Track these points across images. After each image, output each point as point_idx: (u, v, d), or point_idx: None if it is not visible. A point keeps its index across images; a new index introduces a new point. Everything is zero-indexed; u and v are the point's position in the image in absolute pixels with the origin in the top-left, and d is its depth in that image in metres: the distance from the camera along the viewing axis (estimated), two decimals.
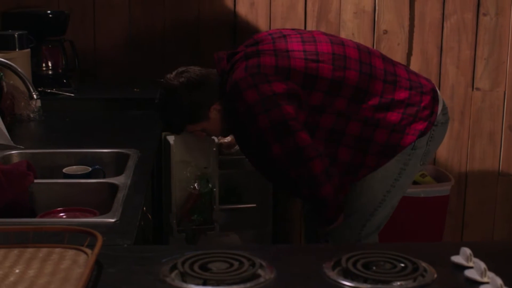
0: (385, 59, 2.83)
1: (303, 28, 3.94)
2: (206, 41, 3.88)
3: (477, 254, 1.57)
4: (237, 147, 3.05)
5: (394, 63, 2.84)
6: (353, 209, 2.81)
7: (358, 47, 2.80)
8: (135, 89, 3.55)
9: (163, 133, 3.20)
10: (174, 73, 2.78)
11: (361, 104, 2.69)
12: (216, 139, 3.14)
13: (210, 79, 2.77)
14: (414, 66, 4.03)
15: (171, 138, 3.14)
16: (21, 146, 2.63)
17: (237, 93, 2.60)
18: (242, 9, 3.89)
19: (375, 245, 2.41)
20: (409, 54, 4.05)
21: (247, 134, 2.70)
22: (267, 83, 2.58)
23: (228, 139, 3.18)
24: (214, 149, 3.15)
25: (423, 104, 2.76)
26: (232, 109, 2.68)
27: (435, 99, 2.80)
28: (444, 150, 4.05)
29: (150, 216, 2.52)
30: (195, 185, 3.14)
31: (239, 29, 3.89)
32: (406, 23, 4.01)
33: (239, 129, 2.77)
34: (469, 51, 4.04)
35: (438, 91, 2.86)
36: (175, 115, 2.79)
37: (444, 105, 2.88)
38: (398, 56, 4.02)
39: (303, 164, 2.59)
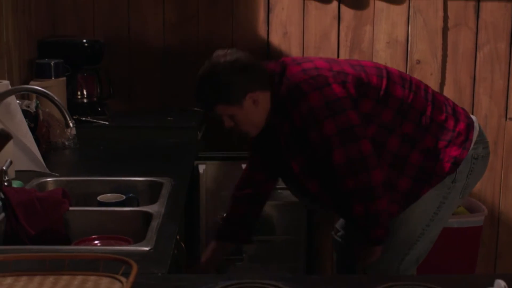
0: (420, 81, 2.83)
1: (336, 57, 3.95)
2: None
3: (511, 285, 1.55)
4: None
5: (428, 88, 2.83)
6: (392, 243, 2.71)
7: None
8: (169, 118, 3.58)
9: (195, 162, 3.21)
10: (225, 50, 2.68)
11: (404, 118, 2.66)
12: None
13: (257, 68, 2.66)
14: (448, 96, 4.01)
15: (201, 167, 3.14)
16: (56, 174, 2.66)
17: (300, 95, 2.53)
18: (275, 39, 3.92)
19: (410, 277, 2.38)
20: (442, 83, 4.04)
21: (301, 139, 2.61)
22: (328, 86, 2.53)
23: None
24: None
25: (458, 130, 2.72)
26: (289, 112, 2.59)
27: (470, 126, 2.76)
28: None
29: (183, 245, 2.52)
30: (224, 214, 3.10)
31: (272, 58, 3.91)
32: (439, 53, 4.01)
33: (294, 134, 2.65)
34: (502, 81, 4.03)
35: (475, 120, 2.81)
36: (210, 90, 2.63)
37: (484, 138, 2.81)
38: (431, 85, 3.99)
39: (364, 173, 2.52)
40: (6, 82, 2.60)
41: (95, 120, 3.44)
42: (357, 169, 2.52)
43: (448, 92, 4.03)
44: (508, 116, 4.07)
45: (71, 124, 2.42)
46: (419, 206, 2.70)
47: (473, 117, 2.82)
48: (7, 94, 2.43)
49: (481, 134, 2.80)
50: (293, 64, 2.64)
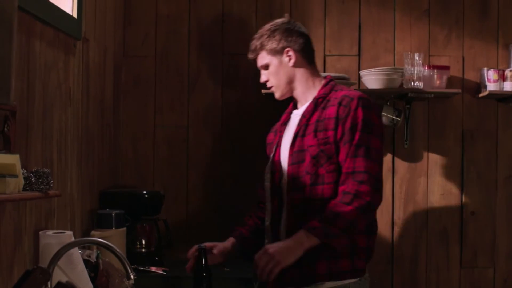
0: None
1: (390, 209, 4.00)
2: None
3: None
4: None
5: None
6: None
7: None
8: (226, 268, 3.57)
9: None
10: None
11: None
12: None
13: (308, 42, 3.10)
14: (503, 247, 4.00)
15: None
16: None
17: (364, 104, 2.83)
18: None
19: None
20: (498, 235, 4.03)
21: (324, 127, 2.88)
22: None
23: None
24: None
25: None
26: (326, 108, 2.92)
27: None
28: None
29: None
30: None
31: None
32: (494, 204, 4.02)
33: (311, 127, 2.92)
34: None
35: None
36: (262, 36, 3.06)
37: None
38: (487, 236, 4.01)
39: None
40: (69, 233, 2.67)
41: (153, 270, 3.47)
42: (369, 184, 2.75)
43: (504, 243, 4.01)
44: None
45: (132, 277, 2.46)
46: None
47: None
48: (70, 246, 2.50)
49: None
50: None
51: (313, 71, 3.09)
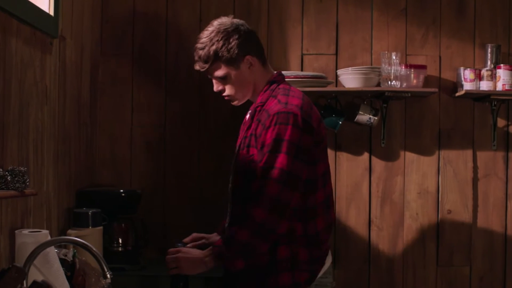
0: None
1: (367, 208, 4.01)
2: None
3: None
4: None
5: None
6: None
7: None
8: None
9: None
10: (231, 16, 2.93)
11: None
12: None
13: (258, 40, 2.92)
14: (479, 245, 4.03)
15: None
16: None
17: (279, 121, 2.67)
18: None
19: None
20: (474, 233, 4.06)
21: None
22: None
23: None
24: None
25: None
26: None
27: None
28: None
29: None
30: None
31: None
32: (470, 203, 4.05)
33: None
34: None
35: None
36: (212, 47, 2.83)
37: None
38: (463, 235, 4.03)
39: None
40: (45, 231, 2.66)
41: (129, 269, 3.47)
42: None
43: (480, 241, 4.04)
44: None
45: (108, 276, 2.46)
46: None
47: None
48: (47, 245, 2.48)
49: None
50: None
51: (267, 72, 2.94)
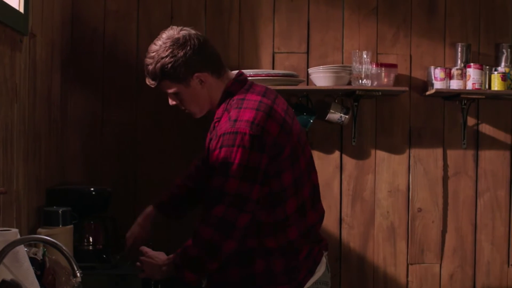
0: None
1: (338, 206, 4.03)
2: None
3: None
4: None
5: None
6: None
7: None
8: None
9: None
10: (180, 27, 2.73)
11: None
12: None
13: (211, 50, 2.72)
14: (450, 243, 4.06)
15: None
16: None
17: (225, 144, 2.55)
18: None
19: None
20: (444, 231, 4.09)
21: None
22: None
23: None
24: None
25: None
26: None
27: None
28: None
29: None
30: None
31: None
32: (440, 201, 4.08)
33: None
34: (503, 227, 4.08)
35: None
36: (158, 64, 2.66)
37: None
38: (434, 233, 4.06)
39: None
40: (15, 230, 2.63)
41: (99, 268, 3.46)
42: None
43: (450, 239, 4.07)
44: (510, 263, 4.09)
45: (78, 274, 2.44)
46: None
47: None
48: (16, 243, 2.46)
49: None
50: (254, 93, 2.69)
51: (224, 81, 2.75)
